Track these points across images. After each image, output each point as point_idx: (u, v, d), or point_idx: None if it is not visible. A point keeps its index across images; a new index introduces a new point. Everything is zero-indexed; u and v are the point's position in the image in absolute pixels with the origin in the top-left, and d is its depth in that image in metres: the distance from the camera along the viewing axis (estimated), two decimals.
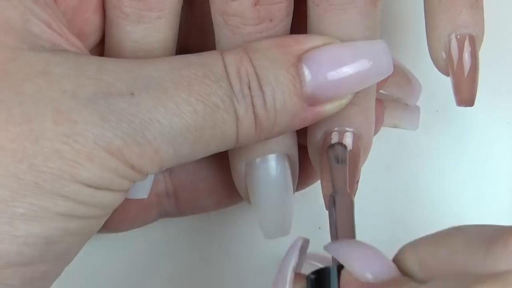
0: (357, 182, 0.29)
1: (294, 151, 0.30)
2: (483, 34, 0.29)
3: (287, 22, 0.28)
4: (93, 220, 0.26)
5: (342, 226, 0.26)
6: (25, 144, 0.24)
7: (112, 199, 0.26)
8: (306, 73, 0.26)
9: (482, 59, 0.29)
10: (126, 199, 0.30)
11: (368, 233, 0.36)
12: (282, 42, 0.27)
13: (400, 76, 0.32)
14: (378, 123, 0.31)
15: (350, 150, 0.28)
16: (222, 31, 0.28)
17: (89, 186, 0.24)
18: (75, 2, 0.28)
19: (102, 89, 0.24)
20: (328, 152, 0.28)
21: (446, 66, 0.29)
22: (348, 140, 0.28)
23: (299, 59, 0.27)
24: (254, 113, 0.26)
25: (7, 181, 0.23)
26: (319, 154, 0.29)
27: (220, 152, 0.30)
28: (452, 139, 0.37)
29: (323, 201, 0.29)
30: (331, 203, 0.27)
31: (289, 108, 0.26)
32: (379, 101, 0.31)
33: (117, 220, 0.32)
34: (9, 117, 0.24)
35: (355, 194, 0.29)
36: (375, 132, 0.31)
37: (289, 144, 0.29)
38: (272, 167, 0.29)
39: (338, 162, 0.27)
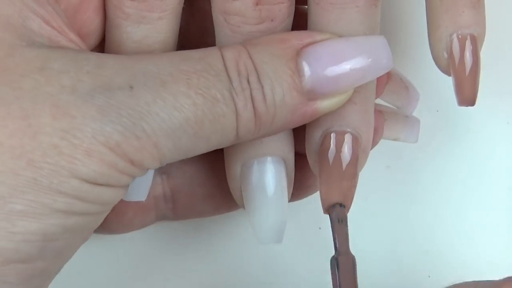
0: (355, 186, 0.29)
1: (291, 157, 0.30)
2: (484, 34, 0.29)
3: (288, 23, 0.28)
4: (92, 217, 0.25)
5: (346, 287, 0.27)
6: (23, 140, 0.23)
7: (111, 195, 0.25)
8: (306, 67, 0.26)
9: (482, 60, 0.29)
10: (124, 201, 0.30)
11: (368, 233, 0.36)
12: (281, 37, 0.27)
13: (397, 84, 0.32)
14: (378, 135, 0.31)
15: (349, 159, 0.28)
16: (222, 31, 0.28)
17: (88, 181, 0.24)
18: (76, 1, 0.28)
19: (100, 84, 0.24)
20: (331, 214, 0.28)
21: (447, 66, 0.29)
22: (346, 143, 0.28)
23: (298, 54, 0.26)
24: (254, 107, 0.26)
25: (5, 178, 0.23)
26: (317, 156, 0.29)
27: (218, 158, 0.30)
28: (452, 139, 0.37)
29: None
30: (334, 264, 0.27)
31: (289, 103, 0.26)
32: (379, 113, 0.31)
33: (115, 222, 0.32)
34: (6, 113, 0.23)
35: (352, 200, 0.29)
36: (374, 144, 0.31)
37: (286, 148, 0.29)
38: (268, 170, 0.29)
39: (339, 221, 0.27)
